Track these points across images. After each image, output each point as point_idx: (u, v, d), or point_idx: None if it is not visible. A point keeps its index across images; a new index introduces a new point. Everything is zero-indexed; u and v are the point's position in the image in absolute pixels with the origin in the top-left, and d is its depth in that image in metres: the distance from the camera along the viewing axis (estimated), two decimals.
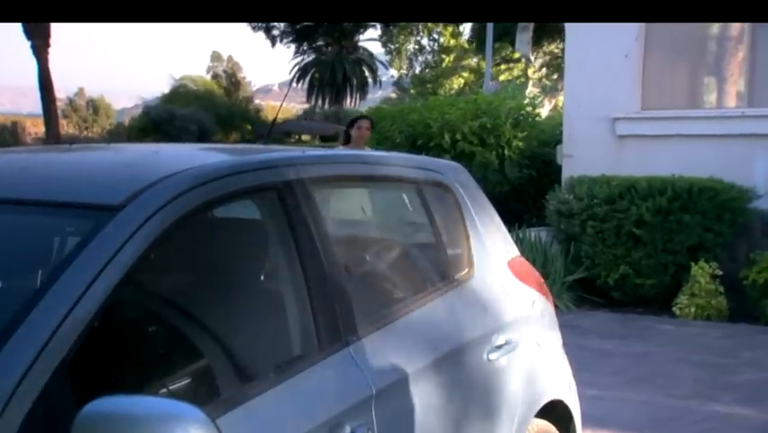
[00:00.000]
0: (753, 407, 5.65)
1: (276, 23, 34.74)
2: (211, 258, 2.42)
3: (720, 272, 8.07)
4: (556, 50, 27.41)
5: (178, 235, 2.07)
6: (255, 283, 2.56)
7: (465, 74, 29.38)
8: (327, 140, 33.30)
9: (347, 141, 8.35)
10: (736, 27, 9.51)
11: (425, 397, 2.59)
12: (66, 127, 40.05)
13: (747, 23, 9.17)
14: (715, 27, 9.71)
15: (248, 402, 2.02)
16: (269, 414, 2.07)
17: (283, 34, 35.59)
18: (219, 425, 1.67)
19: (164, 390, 1.99)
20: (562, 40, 10.45)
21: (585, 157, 9.61)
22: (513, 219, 10.19)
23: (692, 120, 9.22)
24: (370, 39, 43.93)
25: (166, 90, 38.59)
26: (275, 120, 5.52)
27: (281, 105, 6.21)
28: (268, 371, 2.21)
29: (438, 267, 3.21)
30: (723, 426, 5.29)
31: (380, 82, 45.24)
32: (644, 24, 9.28)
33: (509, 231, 10.09)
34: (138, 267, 1.89)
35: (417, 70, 31.86)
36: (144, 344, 2.17)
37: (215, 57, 51.83)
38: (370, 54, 44.60)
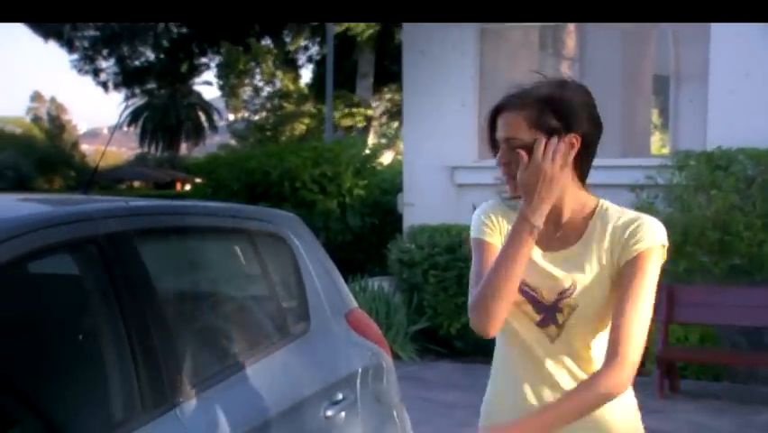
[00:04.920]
0: None
1: (103, 66, 33.73)
2: (24, 317, 2.25)
3: None
4: (397, 98, 28.02)
5: None
6: (73, 343, 2.39)
7: (306, 120, 29.56)
8: (162, 187, 32.56)
9: None
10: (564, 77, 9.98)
11: None
12: None
13: (575, 76, 9.62)
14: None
15: None
16: None
17: (114, 77, 34.66)
18: None
19: None
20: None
21: (426, 206, 9.76)
22: (355, 269, 10.20)
23: None
24: (206, 82, 43.13)
25: None
26: (97, 167, 5.08)
27: (104, 150, 5.44)
28: None
29: (273, 321, 3.13)
30: None
31: (217, 128, 44.73)
32: (478, 75, 9.59)
33: (351, 281, 9.98)
34: None
35: (255, 116, 31.73)
36: None
37: (37, 97, 49.73)
38: (203, 98, 44.04)
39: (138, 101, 41.10)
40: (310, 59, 30.75)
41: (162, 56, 33.26)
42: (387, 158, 21.46)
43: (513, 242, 2.08)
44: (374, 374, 3.32)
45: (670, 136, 9.72)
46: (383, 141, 27.51)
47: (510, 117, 2.14)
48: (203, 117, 43.65)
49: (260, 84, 30.80)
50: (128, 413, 2.21)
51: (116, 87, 34.54)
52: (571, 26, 10.13)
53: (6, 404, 2.08)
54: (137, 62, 34.05)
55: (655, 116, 10.51)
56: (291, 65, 30.71)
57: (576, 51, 10.29)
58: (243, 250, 3.17)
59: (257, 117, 30.95)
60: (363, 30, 22.78)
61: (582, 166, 2.18)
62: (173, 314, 2.54)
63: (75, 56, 32.63)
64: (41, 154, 32.80)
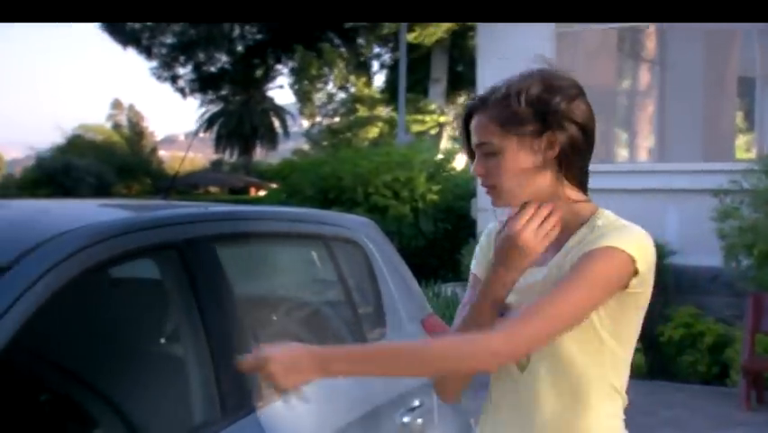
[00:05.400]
0: None
1: (180, 73, 34.43)
2: (107, 321, 2.29)
3: None
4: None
5: (71, 298, 1.95)
6: (154, 347, 2.43)
7: (380, 124, 29.65)
8: (236, 192, 33.04)
9: None
10: (644, 81, 9.77)
11: None
12: None
13: (656, 79, 9.43)
14: (624, 82, 9.96)
15: None
16: None
17: (190, 83, 35.34)
18: None
19: None
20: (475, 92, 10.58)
21: (500, 211, 9.62)
22: (428, 274, 10.16)
23: (604, 174, 9.34)
24: (279, 86, 43.08)
25: (58, 141, 37.15)
26: (176, 174, 5.09)
27: (184, 157, 5.46)
28: None
29: (349, 326, 3.12)
30: None
31: (290, 133, 45.07)
32: None
33: (425, 286, 9.97)
34: (26, 332, 1.76)
35: (328, 120, 31.95)
36: (35, 414, 2.02)
37: (116, 105, 50.62)
38: (276, 103, 44.39)
39: (213, 107, 41.75)
40: (383, 66, 30.89)
41: (237, 62, 33.79)
42: (459, 163, 21.33)
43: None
44: None
45: (756, 139, 9.43)
46: (456, 146, 27.43)
47: (480, 120, 1.88)
48: (276, 123, 44.03)
49: (333, 90, 31.00)
50: (208, 416, 2.22)
51: (192, 92, 35.24)
52: (652, 27, 9.93)
53: (88, 406, 2.11)
54: (213, 68, 34.64)
55: (740, 119, 10.20)
56: (364, 69, 30.83)
57: (656, 53, 10.07)
58: (320, 255, 3.17)
59: (330, 122, 31.16)
60: (434, 32, 22.72)
61: (574, 171, 1.89)
62: (251, 318, 2.55)
63: (154, 63, 33.38)
64: (121, 161, 33.54)
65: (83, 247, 1.99)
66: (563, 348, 1.83)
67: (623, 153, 10.32)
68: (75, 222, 2.14)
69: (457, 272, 10.11)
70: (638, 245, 1.79)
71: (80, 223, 2.14)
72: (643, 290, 1.83)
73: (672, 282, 8.77)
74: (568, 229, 1.87)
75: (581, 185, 1.91)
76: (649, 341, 8.13)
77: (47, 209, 2.64)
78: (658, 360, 8.13)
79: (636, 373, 8.07)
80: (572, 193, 1.89)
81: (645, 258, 1.80)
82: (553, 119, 1.82)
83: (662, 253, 8.66)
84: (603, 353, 1.86)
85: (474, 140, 1.90)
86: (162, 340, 2.48)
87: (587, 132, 1.87)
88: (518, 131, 1.83)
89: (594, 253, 1.77)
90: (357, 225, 3.31)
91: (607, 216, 1.88)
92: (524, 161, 1.84)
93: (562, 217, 1.87)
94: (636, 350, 6.96)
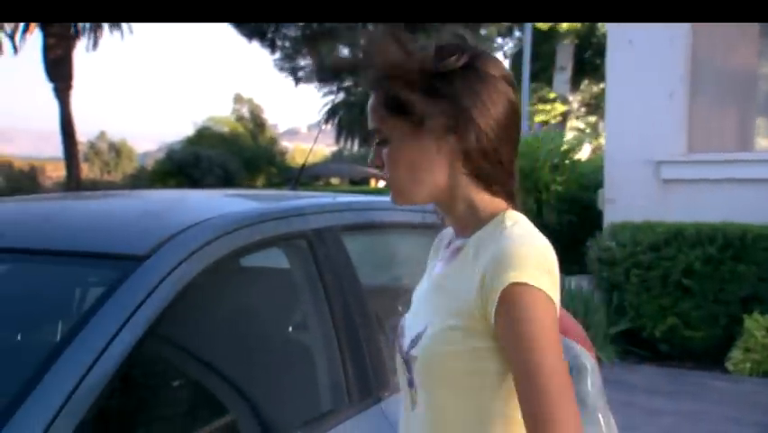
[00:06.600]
0: None
1: (302, 64, 34.90)
2: (238, 309, 2.35)
3: None
4: (596, 90, 27.28)
5: (205, 286, 2.00)
6: (283, 335, 2.47)
7: None
8: (357, 184, 33.34)
9: None
10: None
11: None
12: (87, 171, 40.54)
13: None
14: (766, 67, 9.50)
15: None
16: None
17: (310, 74, 35.82)
18: None
19: None
20: (602, 80, 10.30)
21: (628, 202, 9.41)
22: None
23: (743, 163, 8.97)
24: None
25: (187, 133, 38.27)
26: (304, 165, 5.08)
27: (311, 148, 5.39)
28: (296, 426, 2.13)
29: None
30: None
31: None
32: (689, 64, 9.12)
33: None
34: (163, 319, 1.83)
35: None
36: (168, 399, 2.09)
37: (238, 99, 51.83)
38: None
39: (335, 98, 42.19)
40: (505, 55, 30.60)
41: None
42: (584, 152, 20.87)
43: None
44: (576, 376, 3.23)
45: None
46: (579, 135, 26.95)
47: (372, 101, 1.59)
48: None
49: None
50: (336, 404, 2.24)
51: (310, 81, 35.66)
52: None
53: (219, 392, 2.17)
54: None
55: None
56: None
57: None
58: None
59: None
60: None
61: (477, 165, 1.52)
62: (378, 308, 2.57)
63: (277, 55, 33.99)
64: (247, 153, 34.34)
65: (217, 237, 2.04)
66: (435, 375, 1.53)
67: (762, 142, 9.87)
68: (208, 212, 2.20)
69: (582, 265, 9.92)
70: (534, 265, 1.50)
71: (213, 213, 2.19)
72: None
73: None
74: (467, 231, 1.58)
75: (498, 182, 1.57)
76: None
77: (181, 200, 2.73)
78: None
79: None
80: (474, 191, 1.56)
81: (551, 278, 1.53)
82: (444, 101, 1.50)
83: None
84: (498, 385, 1.49)
85: (369, 125, 1.62)
86: (290, 328, 2.53)
87: (498, 128, 1.53)
88: (404, 114, 1.53)
89: (515, 302, 1.45)
90: None
91: (510, 223, 1.55)
92: (412, 151, 1.54)
93: (463, 217, 1.58)
94: None
